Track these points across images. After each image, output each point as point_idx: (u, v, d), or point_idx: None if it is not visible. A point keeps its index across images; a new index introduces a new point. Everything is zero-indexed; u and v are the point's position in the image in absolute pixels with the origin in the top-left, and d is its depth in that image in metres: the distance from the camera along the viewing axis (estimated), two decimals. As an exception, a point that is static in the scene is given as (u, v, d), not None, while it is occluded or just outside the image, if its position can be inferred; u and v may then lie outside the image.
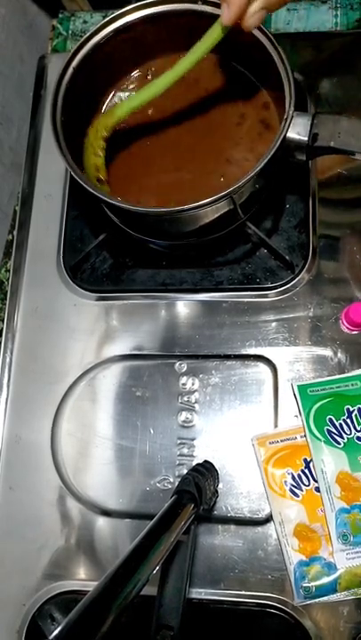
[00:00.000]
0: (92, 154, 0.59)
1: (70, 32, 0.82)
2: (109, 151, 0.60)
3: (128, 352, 0.64)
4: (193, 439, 0.61)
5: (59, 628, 0.30)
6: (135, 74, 0.65)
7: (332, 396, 0.57)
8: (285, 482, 0.56)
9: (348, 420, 0.56)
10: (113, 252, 0.67)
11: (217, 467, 0.56)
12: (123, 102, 0.58)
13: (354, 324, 0.59)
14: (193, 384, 0.62)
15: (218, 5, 0.57)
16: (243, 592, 0.56)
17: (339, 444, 0.56)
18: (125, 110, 0.57)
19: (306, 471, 0.56)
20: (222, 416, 0.61)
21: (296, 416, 0.59)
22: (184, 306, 0.64)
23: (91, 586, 0.40)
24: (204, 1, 0.58)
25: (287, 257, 0.62)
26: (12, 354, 0.66)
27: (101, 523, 0.60)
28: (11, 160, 0.78)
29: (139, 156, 0.62)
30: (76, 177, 0.54)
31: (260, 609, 0.56)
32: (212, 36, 0.52)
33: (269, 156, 0.51)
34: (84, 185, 0.54)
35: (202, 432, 0.61)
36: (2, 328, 0.69)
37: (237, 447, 0.59)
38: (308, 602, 0.54)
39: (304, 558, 0.54)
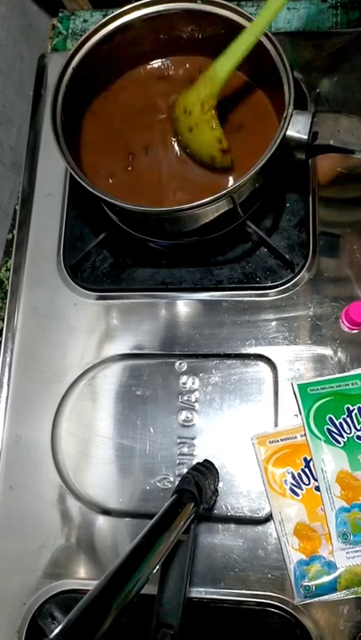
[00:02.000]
0: (207, 128, 0.56)
1: (70, 31, 0.82)
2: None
3: (128, 351, 0.64)
4: (193, 438, 0.61)
5: (59, 627, 0.30)
6: (136, 72, 0.65)
7: (332, 395, 0.57)
8: (285, 481, 0.56)
9: (349, 419, 0.56)
10: (113, 252, 0.67)
11: (217, 466, 0.56)
12: (219, 63, 0.54)
13: (354, 323, 0.59)
14: (193, 383, 0.62)
15: (217, 4, 0.57)
16: (243, 591, 0.56)
17: (339, 443, 0.56)
18: (227, 70, 0.54)
19: (306, 470, 0.56)
20: (222, 415, 0.61)
21: (296, 415, 0.59)
22: (184, 305, 0.64)
23: (91, 585, 0.40)
24: (203, 0, 0.58)
25: (287, 256, 0.62)
26: (12, 353, 0.66)
27: (101, 522, 0.60)
28: (11, 159, 0.78)
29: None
30: (76, 176, 0.54)
31: (261, 608, 0.56)
32: None
33: (269, 155, 0.51)
34: (84, 184, 0.54)
35: (202, 431, 0.61)
36: (2, 327, 0.69)
37: (237, 446, 0.59)
38: (309, 601, 0.54)
39: (304, 557, 0.54)
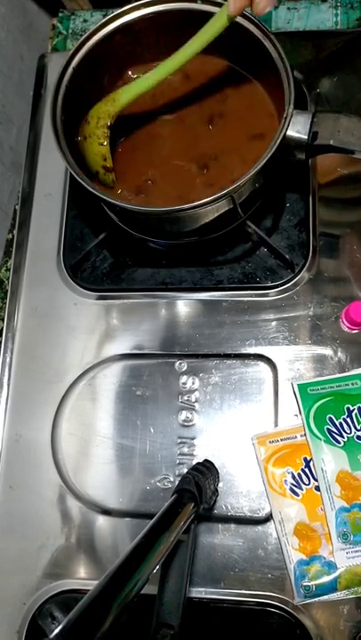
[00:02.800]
0: (95, 143, 0.58)
1: (70, 31, 0.82)
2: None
3: (128, 351, 0.64)
4: (193, 438, 0.61)
5: (59, 627, 0.30)
6: (135, 73, 0.65)
7: (332, 395, 0.57)
8: (285, 481, 0.56)
9: (349, 419, 0.56)
10: (113, 251, 0.67)
11: (217, 466, 0.56)
12: (125, 89, 0.57)
13: (354, 323, 0.59)
14: (193, 383, 0.62)
15: (217, 4, 0.57)
16: (243, 591, 0.56)
17: (339, 442, 0.56)
18: (129, 97, 0.57)
19: (306, 470, 0.56)
20: (222, 415, 0.61)
21: (296, 415, 0.59)
22: (184, 305, 0.64)
23: (91, 585, 0.40)
24: (203, 0, 0.58)
25: (287, 256, 0.62)
26: (12, 353, 0.66)
27: (101, 522, 0.60)
28: (11, 159, 0.78)
29: (138, 150, 0.62)
30: (76, 176, 0.54)
31: (261, 608, 0.56)
32: (216, 25, 0.52)
33: (269, 155, 0.51)
34: (84, 184, 0.54)
35: (202, 431, 0.61)
36: (2, 327, 0.69)
37: (238, 446, 0.59)
38: (309, 601, 0.54)
39: (304, 557, 0.54)
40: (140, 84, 0.56)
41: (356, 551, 0.53)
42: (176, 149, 0.61)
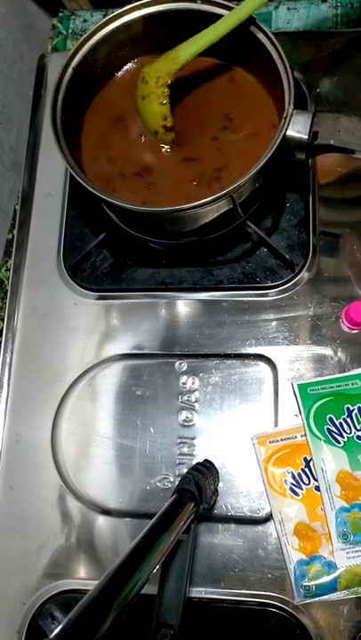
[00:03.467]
0: (155, 102, 0.57)
1: (70, 31, 0.82)
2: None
3: (128, 351, 0.64)
4: (193, 438, 0.61)
5: (59, 627, 0.30)
6: (135, 73, 0.65)
7: (332, 395, 0.57)
8: (285, 481, 0.56)
9: (349, 419, 0.56)
10: (113, 251, 0.67)
11: (217, 466, 0.56)
12: (184, 46, 0.56)
13: (354, 323, 0.59)
14: (193, 383, 0.62)
15: (217, 4, 0.57)
16: (243, 591, 0.56)
17: (339, 442, 0.56)
18: (188, 54, 0.56)
19: (306, 470, 0.56)
20: (222, 415, 0.61)
21: (296, 415, 0.59)
22: (184, 305, 0.64)
23: (91, 585, 0.40)
24: (203, 0, 0.58)
25: (287, 256, 0.62)
26: (12, 353, 0.66)
27: (101, 522, 0.60)
28: (11, 159, 0.78)
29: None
30: (75, 176, 0.54)
31: (261, 608, 0.56)
32: None
33: (269, 155, 0.51)
34: (84, 184, 0.54)
35: (202, 431, 0.61)
36: (2, 327, 0.69)
37: (238, 446, 0.59)
38: (309, 601, 0.54)
39: (304, 557, 0.54)
40: (198, 42, 0.55)
41: (356, 551, 0.53)
42: (174, 148, 0.61)
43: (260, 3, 0.54)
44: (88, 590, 0.33)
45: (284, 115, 0.53)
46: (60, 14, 0.83)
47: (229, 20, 0.55)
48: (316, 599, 0.54)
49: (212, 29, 0.55)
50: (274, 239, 0.63)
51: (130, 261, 0.67)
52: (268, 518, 0.57)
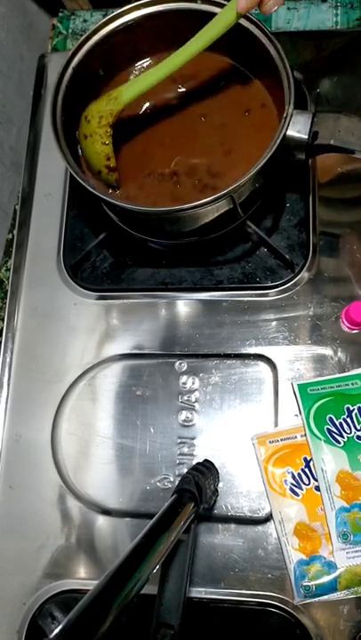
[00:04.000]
0: (98, 142, 0.57)
1: (70, 31, 0.82)
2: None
3: (128, 351, 0.64)
4: (193, 438, 0.61)
5: (59, 627, 0.30)
6: (136, 73, 0.65)
7: (332, 395, 0.57)
8: (285, 481, 0.56)
9: (349, 419, 0.56)
10: (113, 251, 0.67)
11: (217, 466, 0.56)
12: (127, 86, 0.57)
13: (354, 323, 0.59)
14: (193, 383, 0.62)
15: (216, 4, 0.57)
16: (243, 591, 0.56)
17: (339, 442, 0.56)
18: (132, 94, 0.56)
19: (306, 470, 0.56)
20: (222, 415, 0.61)
21: (296, 415, 0.59)
22: (184, 305, 0.64)
23: (91, 585, 0.40)
24: (203, 0, 0.58)
25: (287, 256, 0.62)
26: (12, 353, 0.66)
27: (101, 522, 0.60)
28: (11, 159, 0.78)
29: (137, 149, 0.62)
30: (75, 176, 0.54)
31: (261, 608, 0.56)
32: (223, 22, 0.51)
33: (269, 155, 0.51)
34: (84, 184, 0.54)
35: (202, 431, 0.61)
36: (2, 327, 0.69)
37: (238, 446, 0.59)
38: (309, 601, 0.54)
39: (304, 557, 0.54)
40: (143, 81, 0.56)
41: (356, 551, 0.53)
42: (175, 147, 0.61)
43: (212, 38, 0.53)
44: (88, 590, 0.33)
45: (284, 115, 0.53)
46: (60, 14, 0.83)
47: (174, 61, 0.54)
48: (316, 599, 0.54)
49: (156, 70, 0.55)
50: (274, 239, 0.63)
51: (130, 261, 0.67)
52: (268, 518, 0.57)
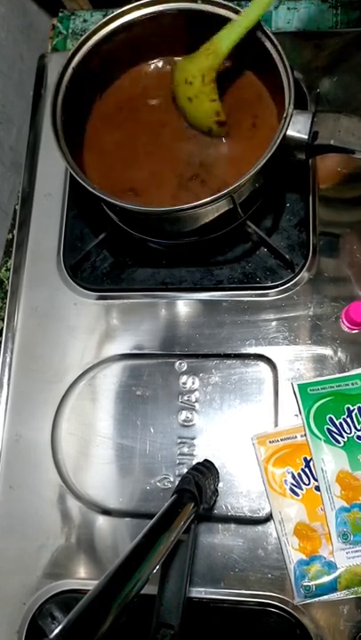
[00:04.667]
0: (206, 101, 0.57)
1: (70, 31, 0.82)
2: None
3: (128, 351, 0.64)
4: (193, 438, 0.61)
5: (59, 627, 0.30)
6: (136, 72, 0.65)
7: (332, 395, 0.57)
8: (285, 481, 0.56)
9: (349, 419, 0.56)
10: (113, 251, 0.67)
11: (217, 466, 0.56)
12: (222, 36, 0.55)
13: (354, 323, 0.59)
14: (193, 383, 0.62)
15: (217, 4, 0.57)
16: (243, 591, 0.56)
17: (339, 442, 0.56)
18: (228, 44, 0.54)
19: (306, 470, 0.56)
20: (222, 415, 0.61)
21: (296, 415, 0.59)
22: (184, 305, 0.64)
23: (91, 585, 0.40)
24: (203, 0, 0.58)
25: (287, 256, 0.62)
26: (12, 353, 0.66)
27: (101, 522, 0.60)
28: (11, 159, 0.78)
29: (135, 148, 0.62)
30: (75, 176, 0.54)
31: (261, 608, 0.56)
32: None
33: (269, 155, 0.51)
34: (84, 184, 0.54)
35: (202, 431, 0.61)
36: (2, 327, 0.69)
37: (238, 446, 0.59)
38: (309, 601, 0.54)
39: (304, 557, 0.54)
40: (238, 26, 0.54)
41: (356, 551, 0.53)
42: (176, 148, 0.61)
43: None
44: (88, 590, 0.33)
45: (285, 115, 0.53)
46: (60, 14, 0.83)
47: (259, 4, 0.53)
48: (316, 599, 0.54)
49: (246, 14, 0.54)
50: (274, 239, 0.63)
51: (130, 261, 0.67)
52: (268, 518, 0.57)
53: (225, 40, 0.55)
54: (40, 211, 0.70)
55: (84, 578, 0.59)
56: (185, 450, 0.60)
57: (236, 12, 0.57)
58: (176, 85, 0.59)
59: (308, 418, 0.57)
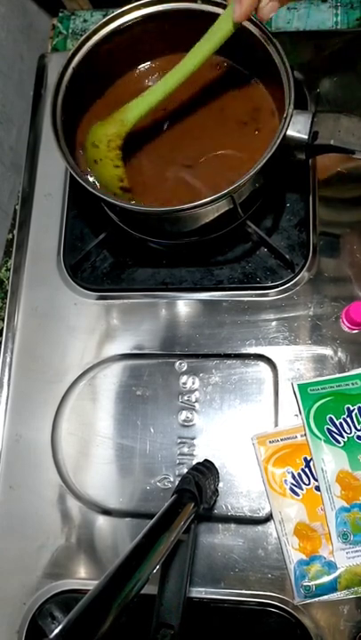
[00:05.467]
0: (110, 166, 0.57)
1: (70, 31, 0.82)
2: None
3: (128, 351, 0.64)
4: (193, 438, 0.61)
5: (59, 627, 0.30)
6: (136, 73, 0.65)
7: (332, 394, 0.57)
8: (285, 481, 0.56)
9: (349, 419, 0.56)
10: (113, 251, 0.67)
11: (217, 466, 0.56)
12: (131, 106, 0.56)
13: (354, 323, 0.59)
14: (193, 383, 0.62)
15: (217, 4, 0.57)
16: (243, 591, 0.56)
17: (339, 442, 0.56)
18: (137, 114, 0.56)
19: (306, 470, 0.56)
20: (222, 415, 0.61)
21: (296, 415, 0.59)
22: (184, 305, 0.64)
23: (91, 585, 0.40)
24: (203, 0, 0.58)
25: (287, 256, 0.62)
26: (12, 353, 0.66)
27: (102, 522, 0.60)
28: (11, 159, 0.78)
29: (144, 159, 0.62)
30: (76, 176, 0.54)
31: (261, 608, 0.56)
32: (222, 32, 0.51)
33: (269, 155, 0.51)
34: (84, 184, 0.54)
35: (202, 431, 0.61)
36: (2, 327, 0.69)
37: (238, 446, 0.59)
38: (309, 601, 0.54)
39: (304, 557, 0.54)
40: (147, 100, 0.55)
41: (356, 551, 0.53)
42: (176, 149, 0.61)
43: (213, 48, 0.53)
44: (88, 590, 0.33)
45: (285, 115, 0.53)
46: (60, 14, 0.83)
47: (175, 77, 0.54)
48: (316, 599, 0.54)
49: (157, 87, 0.55)
50: (274, 239, 0.63)
51: (130, 261, 0.67)
52: (269, 518, 0.57)
53: (133, 112, 0.56)
54: (40, 211, 0.70)
55: (84, 578, 0.59)
56: (185, 450, 0.60)
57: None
58: (85, 148, 0.59)
59: (308, 418, 0.57)
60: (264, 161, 0.51)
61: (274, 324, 0.62)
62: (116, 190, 0.58)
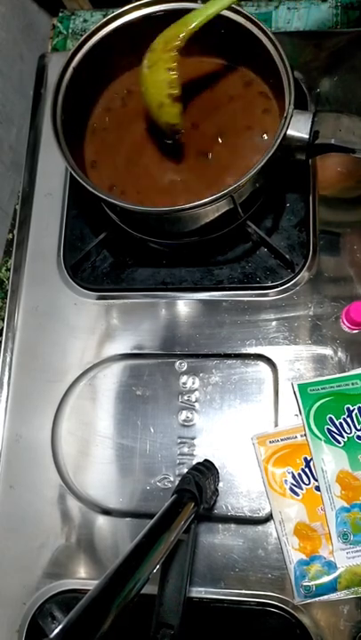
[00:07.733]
0: (162, 69, 0.52)
1: (70, 31, 0.82)
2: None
3: (128, 351, 0.64)
4: (193, 438, 0.61)
5: (59, 627, 0.30)
6: (136, 73, 0.65)
7: (332, 394, 0.57)
8: (286, 481, 0.56)
9: (349, 419, 0.56)
10: (113, 251, 0.67)
11: (217, 466, 0.56)
12: (197, 11, 0.52)
13: (354, 323, 0.59)
14: (193, 383, 0.62)
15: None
16: (243, 591, 0.56)
17: (339, 442, 0.56)
18: (202, 18, 0.51)
19: (306, 470, 0.56)
20: (222, 415, 0.61)
21: (296, 415, 0.59)
22: (184, 305, 0.64)
23: (91, 584, 0.40)
24: (203, 0, 0.58)
25: (287, 256, 0.62)
26: (12, 352, 0.66)
27: (102, 521, 0.60)
28: (11, 159, 0.78)
29: (147, 160, 0.62)
30: (76, 176, 0.54)
31: (261, 608, 0.56)
32: None
33: (269, 155, 0.51)
34: (85, 184, 0.54)
35: (202, 431, 0.61)
36: (2, 327, 0.69)
37: (238, 446, 0.59)
38: (309, 601, 0.54)
39: (304, 557, 0.54)
40: (214, 5, 0.51)
41: (357, 551, 0.53)
42: (176, 147, 0.61)
43: None
44: (88, 590, 0.33)
45: (285, 115, 0.53)
46: (60, 14, 0.83)
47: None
48: (317, 599, 0.54)
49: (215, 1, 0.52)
50: (274, 239, 0.63)
51: (130, 261, 0.67)
52: (269, 518, 0.57)
53: (198, 15, 0.52)
54: (40, 210, 0.70)
55: (84, 578, 0.59)
56: (185, 450, 0.60)
57: (237, 12, 0.57)
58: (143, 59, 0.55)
59: (308, 418, 0.57)
60: (264, 161, 0.51)
61: (274, 323, 0.62)
62: (164, 99, 0.53)
